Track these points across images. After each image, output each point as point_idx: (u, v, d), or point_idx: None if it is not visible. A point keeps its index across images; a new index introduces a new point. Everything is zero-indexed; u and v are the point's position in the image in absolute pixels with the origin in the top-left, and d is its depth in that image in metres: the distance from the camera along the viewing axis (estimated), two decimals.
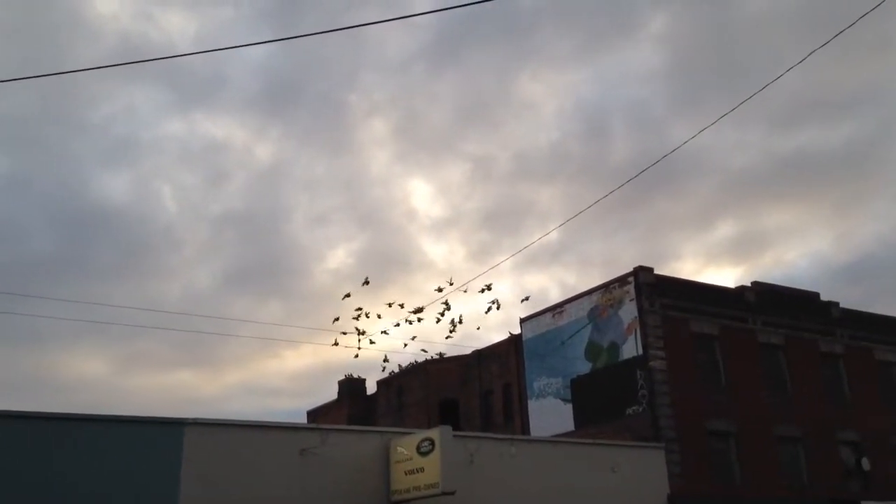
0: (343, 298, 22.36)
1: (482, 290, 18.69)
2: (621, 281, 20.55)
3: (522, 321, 25.76)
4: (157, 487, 10.92)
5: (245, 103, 65.52)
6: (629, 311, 19.96)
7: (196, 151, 64.45)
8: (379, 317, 24.32)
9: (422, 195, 71.57)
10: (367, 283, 22.10)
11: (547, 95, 70.28)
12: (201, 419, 11.81)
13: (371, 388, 37.54)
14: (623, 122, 68.36)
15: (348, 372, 37.68)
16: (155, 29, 63.64)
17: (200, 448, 11.43)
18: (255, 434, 12.27)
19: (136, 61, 8.66)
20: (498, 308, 19.00)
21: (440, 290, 18.42)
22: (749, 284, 21.83)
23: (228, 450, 11.72)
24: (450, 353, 33.86)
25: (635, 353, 19.47)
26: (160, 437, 11.23)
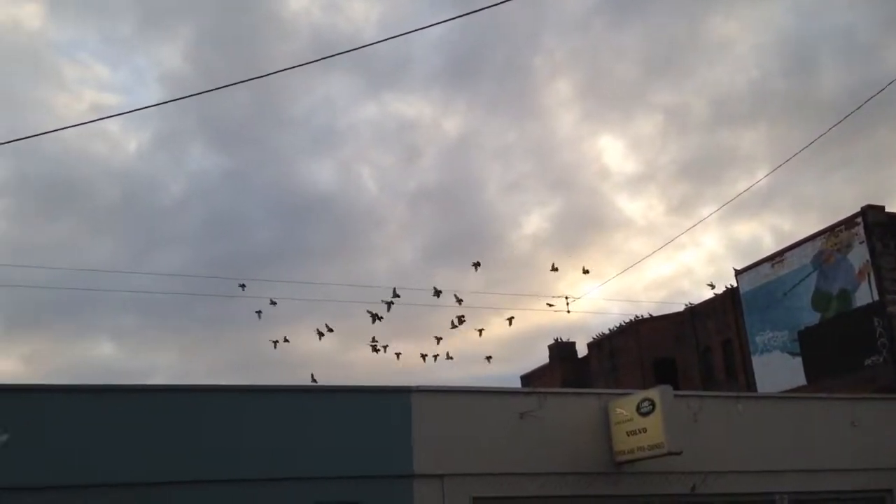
0: (552, 270, 22.46)
1: None
2: (848, 223, 18.95)
3: (738, 273, 24.50)
4: (393, 449, 11.59)
5: (431, 80, 67.15)
6: (859, 255, 18.38)
7: (389, 132, 67.12)
8: (586, 272, 24.22)
9: (613, 152, 69.83)
10: (554, 269, 22.14)
11: (742, 32, 65.90)
12: (424, 386, 12.35)
13: (581, 350, 37.48)
14: (829, 52, 62.68)
15: (555, 336, 37.84)
16: (343, 19, 66.64)
17: (427, 413, 11.97)
18: (476, 399, 12.65)
19: (331, 55, 9.11)
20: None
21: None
22: None
23: (453, 414, 12.18)
24: (658, 312, 33.00)
25: (870, 300, 17.94)
26: (390, 403, 11.88)
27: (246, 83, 9.45)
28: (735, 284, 24.59)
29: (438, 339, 22.51)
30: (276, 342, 22.11)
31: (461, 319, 22.14)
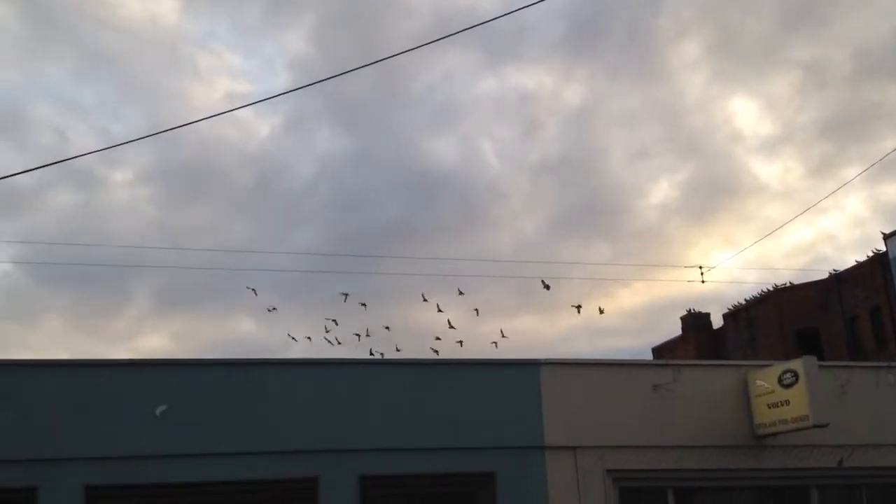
0: (544, 288, 21.64)
1: None
2: None
3: (886, 237, 22.99)
4: (523, 421, 11.66)
5: (550, 49, 66.16)
6: None
7: (509, 104, 66.73)
8: (601, 311, 23.43)
9: (746, 114, 66.65)
10: (546, 286, 21.32)
11: None
12: (553, 359, 12.32)
13: (716, 322, 36.28)
14: None
15: (688, 307, 36.77)
16: None
17: (556, 386, 11.95)
18: (606, 371, 12.51)
19: (451, 34, 9.12)
20: None
21: None
22: None
23: (582, 387, 12.10)
24: (798, 280, 31.45)
25: None
26: (519, 376, 11.94)
27: (368, 64, 9.62)
28: (883, 249, 23.12)
29: (578, 307, 22.21)
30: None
31: (579, 308, 21.89)
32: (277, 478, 10.82)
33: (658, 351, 39.80)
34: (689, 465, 12.04)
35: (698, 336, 36.29)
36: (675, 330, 38.18)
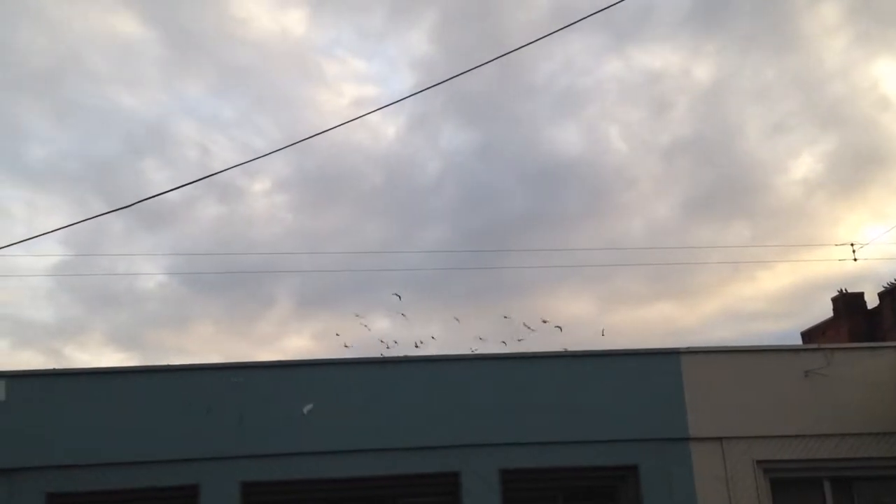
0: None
1: None
2: None
3: None
4: (666, 412, 11.41)
5: (676, 26, 63.78)
6: None
7: (636, 86, 64.86)
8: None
9: (893, 77, 61.97)
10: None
11: None
12: (694, 347, 11.96)
13: (871, 301, 33.97)
14: None
15: (839, 287, 34.60)
16: None
17: (699, 374, 11.60)
18: (751, 358, 12.02)
19: (573, 22, 9.00)
20: None
21: None
22: None
23: (727, 375, 11.69)
24: None
25: None
26: (659, 366, 11.67)
27: (489, 56, 9.65)
28: None
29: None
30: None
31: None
32: (419, 472, 11.08)
33: (808, 335, 37.65)
34: (845, 454, 11.41)
35: (851, 318, 34.02)
36: (825, 312, 35.91)
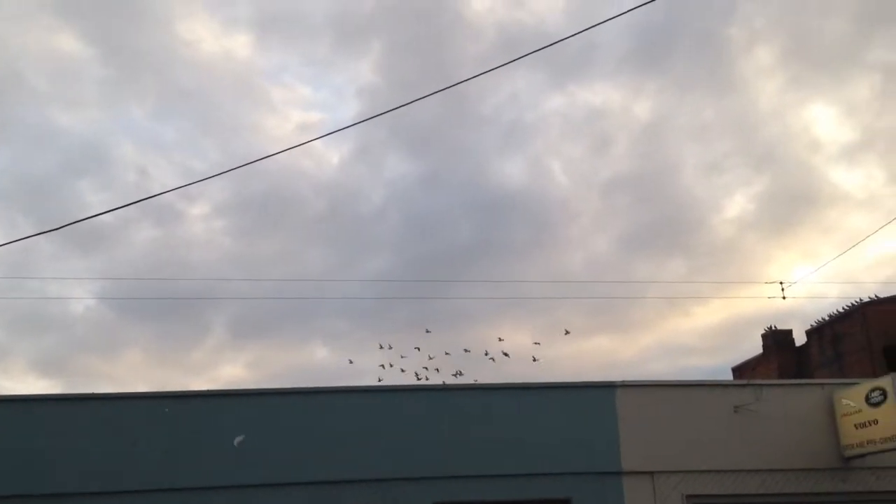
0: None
1: None
2: None
3: None
4: (600, 446, 11.50)
5: (618, 64, 65.52)
6: None
7: (578, 122, 66.26)
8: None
9: (824, 121, 64.60)
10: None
11: None
12: (629, 381, 12.12)
13: (799, 339, 35.03)
14: None
15: (768, 324, 35.64)
16: (527, 14, 66.80)
17: (633, 408, 11.75)
18: (685, 392, 12.24)
19: (520, 56, 9.15)
20: None
21: None
22: None
23: (661, 409, 11.86)
24: (885, 293, 30.18)
25: None
26: (595, 399, 11.79)
27: (435, 86, 9.75)
28: None
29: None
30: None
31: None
32: None
33: (738, 370, 38.56)
34: (773, 490, 11.63)
35: (780, 354, 35.03)
36: (755, 348, 36.90)
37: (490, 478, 11.16)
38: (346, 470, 10.94)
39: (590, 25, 8.50)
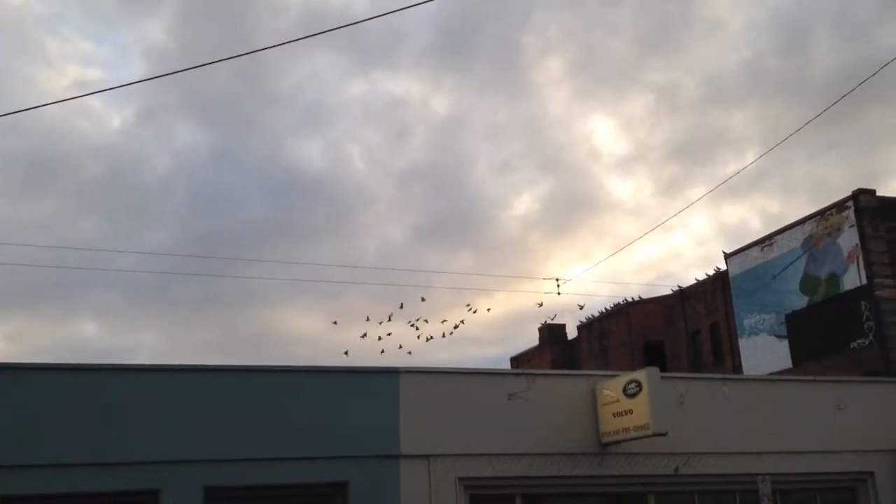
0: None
1: None
2: (839, 206, 18.99)
3: (728, 256, 24.55)
4: (380, 430, 11.63)
5: (420, 57, 66.77)
6: (849, 239, 18.45)
7: (378, 110, 66.76)
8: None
9: (604, 132, 69.74)
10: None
11: (735, 10, 65.74)
12: (413, 367, 12.35)
13: (571, 332, 37.59)
14: (825, 31, 62.61)
15: (544, 318, 37.93)
16: None
17: (415, 394, 11.98)
18: (464, 380, 12.68)
19: (320, 32, 8.98)
20: None
21: None
22: None
23: (440, 395, 12.19)
24: (647, 294, 33.12)
25: (858, 283, 18.00)
26: (378, 384, 11.88)
27: (233, 59, 9.32)
28: (724, 267, 24.66)
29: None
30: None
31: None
32: (117, 490, 10.23)
33: (516, 360, 40.68)
34: (538, 473, 12.35)
35: (554, 347, 37.43)
36: (533, 340, 39.20)
37: (266, 461, 10.90)
38: (106, 452, 10.22)
39: (391, 10, 8.50)
